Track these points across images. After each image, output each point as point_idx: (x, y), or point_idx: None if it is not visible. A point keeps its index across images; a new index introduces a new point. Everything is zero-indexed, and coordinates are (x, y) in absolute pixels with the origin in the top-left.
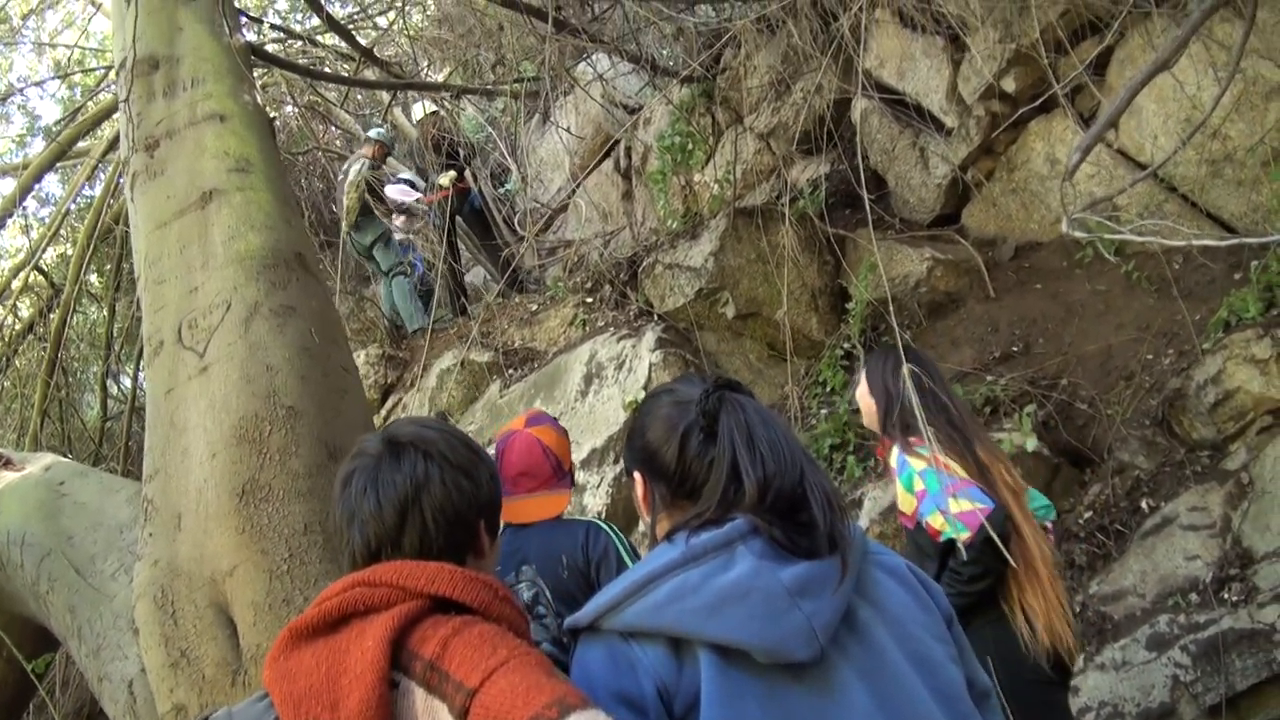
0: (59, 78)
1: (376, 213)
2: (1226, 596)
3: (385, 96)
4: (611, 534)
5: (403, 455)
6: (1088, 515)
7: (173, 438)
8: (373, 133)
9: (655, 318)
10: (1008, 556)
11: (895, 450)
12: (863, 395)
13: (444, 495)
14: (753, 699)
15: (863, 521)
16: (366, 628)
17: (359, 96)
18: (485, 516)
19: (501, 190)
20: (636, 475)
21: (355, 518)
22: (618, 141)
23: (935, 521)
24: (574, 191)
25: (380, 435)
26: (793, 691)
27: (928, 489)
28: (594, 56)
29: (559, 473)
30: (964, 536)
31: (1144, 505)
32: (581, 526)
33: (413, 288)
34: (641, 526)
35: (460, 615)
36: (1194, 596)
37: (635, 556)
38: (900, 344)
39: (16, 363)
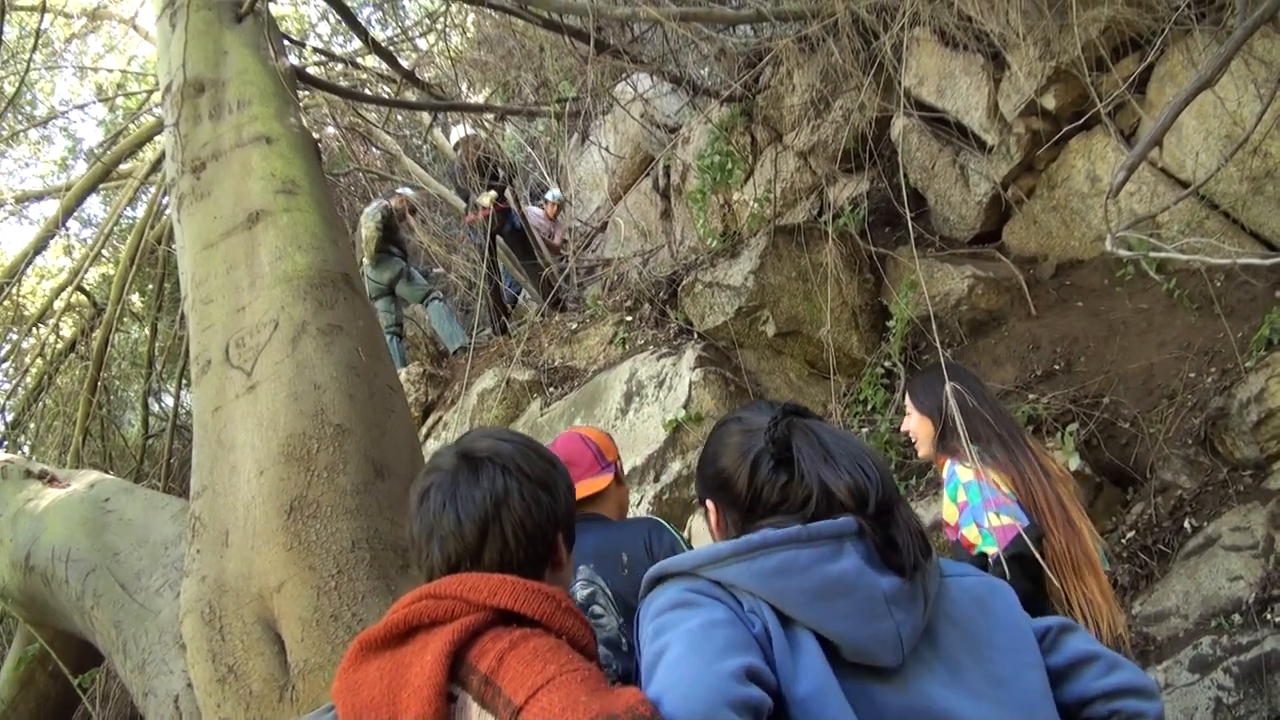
0: (101, 101)
1: (392, 252)
2: (1270, 617)
3: (426, 118)
4: (675, 533)
5: (480, 470)
6: (1130, 535)
7: (220, 455)
8: (405, 190)
9: (695, 336)
10: (1044, 567)
11: (948, 462)
12: (918, 425)
13: (524, 510)
14: (853, 693)
15: None
16: (430, 640)
17: (399, 117)
18: (563, 528)
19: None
20: (709, 504)
21: (434, 534)
22: (657, 161)
23: (970, 534)
24: (613, 210)
25: (455, 449)
26: (884, 692)
27: (969, 501)
28: (634, 77)
29: (601, 460)
30: (993, 551)
31: (1187, 525)
32: (644, 525)
33: (449, 310)
34: None
35: (522, 627)
36: (1237, 617)
37: None
38: (940, 362)
39: (59, 381)
